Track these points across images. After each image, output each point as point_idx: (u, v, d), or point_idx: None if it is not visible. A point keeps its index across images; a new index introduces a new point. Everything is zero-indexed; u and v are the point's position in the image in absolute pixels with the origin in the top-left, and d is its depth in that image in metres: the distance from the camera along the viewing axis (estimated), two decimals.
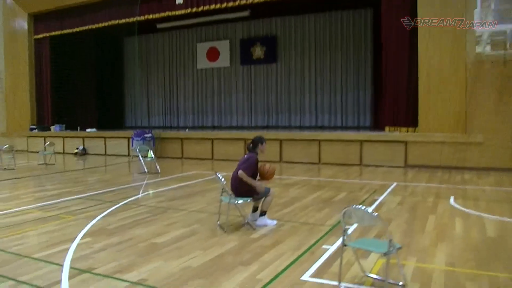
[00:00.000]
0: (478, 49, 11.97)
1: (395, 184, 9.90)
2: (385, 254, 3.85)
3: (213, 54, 20.41)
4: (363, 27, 17.85)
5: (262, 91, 19.60)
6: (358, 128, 17.48)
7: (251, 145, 6.43)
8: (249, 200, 6.31)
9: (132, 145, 15.87)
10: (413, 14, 12.92)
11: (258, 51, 18.98)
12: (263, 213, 6.38)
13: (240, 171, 6.15)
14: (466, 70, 12.14)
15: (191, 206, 7.80)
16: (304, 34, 18.71)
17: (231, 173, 6.41)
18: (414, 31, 12.93)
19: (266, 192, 6.31)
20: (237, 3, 14.90)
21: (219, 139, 15.71)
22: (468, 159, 12.20)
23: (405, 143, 12.83)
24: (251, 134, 10.18)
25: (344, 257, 4.31)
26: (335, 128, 17.99)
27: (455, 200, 8.04)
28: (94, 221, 6.66)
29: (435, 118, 12.51)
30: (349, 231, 5.68)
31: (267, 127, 19.14)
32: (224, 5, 15.05)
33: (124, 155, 17.22)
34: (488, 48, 11.73)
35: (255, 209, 6.52)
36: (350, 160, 13.40)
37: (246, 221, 6.35)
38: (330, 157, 13.69)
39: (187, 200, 8.42)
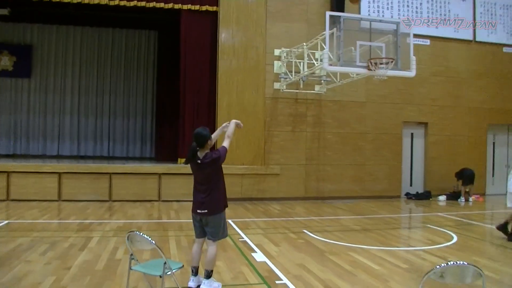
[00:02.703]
0: (276, 86, 12.69)
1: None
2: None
3: None
4: (146, 50, 16.60)
5: (7, 109, 15.49)
6: (141, 159, 15.86)
7: (196, 146, 4.75)
8: None
9: None
10: (214, 45, 12.78)
11: (5, 61, 14.97)
12: (209, 274, 4.67)
13: (223, 148, 4.82)
14: (265, 105, 12.63)
15: None
16: (69, 47, 15.93)
17: None
18: (213, 63, 12.74)
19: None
20: None
21: None
22: (267, 190, 12.59)
23: None
24: None
25: None
26: (122, 158, 15.84)
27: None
28: None
29: (235, 150, 12.45)
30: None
31: (12, 156, 15.20)
32: None
33: None
34: (284, 86, 12.56)
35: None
36: (148, 196, 11.84)
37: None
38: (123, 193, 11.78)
39: None
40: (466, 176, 13.10)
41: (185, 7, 12.58)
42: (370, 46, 8.62)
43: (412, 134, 14.17)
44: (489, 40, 14.73)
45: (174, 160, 13.38)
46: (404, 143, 14.02)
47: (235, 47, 12.57)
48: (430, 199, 13.44)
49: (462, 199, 13.17)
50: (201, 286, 4.62)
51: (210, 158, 4.71)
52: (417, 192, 13.77)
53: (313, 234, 7.89)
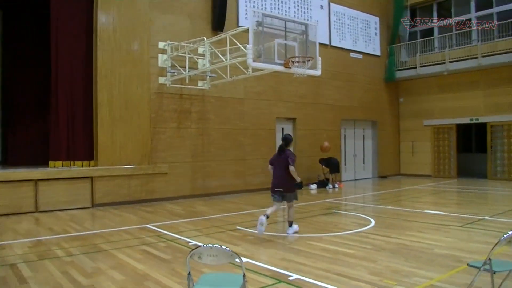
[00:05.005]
0: (161, 80, 12.09)
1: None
2: None
3: None
4: None
5: None
6: None
7: (284, 144, 7.58)
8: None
9: None
10: (89, 34, 11.50)
11: None
12: (291, 223, 7.52)
13: (292, 167, 7.24)
14: (149, 101, 11.92)
15: None
16: None
17: None
18: (90, 57, 11.48)
19: (301, 182, 8.27)
20: None
21: None
22: (156, 190, 11.94)
23: (91, 179, 11.01)
24: None
25: None
26: None
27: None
28: None
29: (120, 150, 11.48)
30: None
31: None
32: None
33: None
34: (169, 81, 12.06)
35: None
36: (21, 207, 10.03)
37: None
38: None
39: None
40: (333, 165, 14.67)
41: None
42: (285, 44, 8.98)
43: (282, 129, 15.14)
44: (340, 45, 16.71)
45: (39, 164, 11.61)
46: (276, 138, 14.90)
47: (116, 37, 11.54)
48: (302, 188, 14.61)
49: (330, 186, 14.70)
50: (287, 232, 7.43)
51: (288, 155, 7.38)
52: None
53: (250, 229, 7.90)
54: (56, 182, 10.53)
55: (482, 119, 16.80)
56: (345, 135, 17.33)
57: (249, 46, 8.51)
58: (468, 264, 4.08)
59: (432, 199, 12.04)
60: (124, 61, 11.61)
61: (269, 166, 7.75)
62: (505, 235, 3.70)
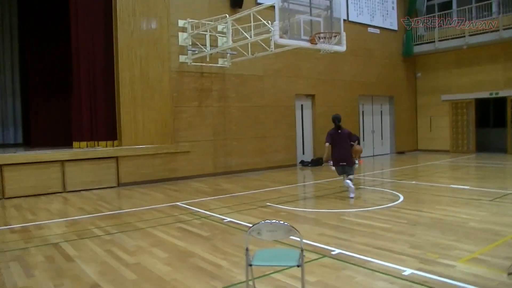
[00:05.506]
0: (182, 59, 12.05)
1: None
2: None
3: None
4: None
5: None
6: (4, 146, 13.30)
7: (338, 122, 8.45)
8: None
9: None
10: (109, 13, 11.45)
11: None
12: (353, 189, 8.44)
13: (358, 145, 8.68)
14: (170, 80, 11.92)
15: None
16: None
17: None
18: (110, 36, 11.44)
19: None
20: None
21: None
22: (178, 169, 12.05)
23: (116, 159, 11.12)
24: None
25: None
26: None
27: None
28: None
29: (142, 130, 11.56)
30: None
31: None
32: None
33: None
34: (190, 60, 12.02)
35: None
36: (49, 188, 10.19)
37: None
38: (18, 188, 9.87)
39: None
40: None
41: None
42: (311, 20, 8.89)
43: (302, 105, 15.10)
44: (358, 20, 16.48)
45: (62, 145, 11.75)
46: (296, 115, 14.88)
47: (136, 16, 11.48)
48: (322, 164, 14.64)
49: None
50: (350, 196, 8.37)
51: (349, 133, 8.51)
52: (312, 159, 14.86)
53: (280, 205, 7.98)
54: (82, 162, 10.66)
55: (502, 93, 16.58)
56: (363, 111, 17.24)
57: (276, 22, 8.44)
58: None
59: (454, 174, 12.01)
60: (144, 40, 11.58)
61: (326, 143, 8.48)
62: None
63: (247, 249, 3.46)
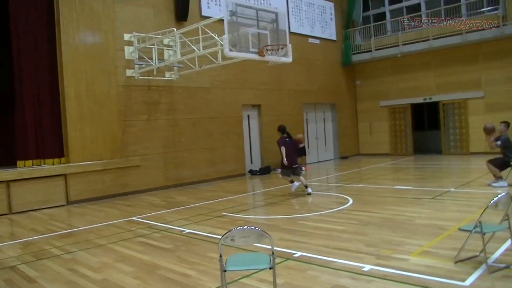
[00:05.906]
0: (129, 73, 11.98)
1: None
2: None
3: None
4: None
5: None
6: None
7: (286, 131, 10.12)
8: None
9: None
10: (51, 25, 11.18)
11: None
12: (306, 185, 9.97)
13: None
14: (118, 94, 11.80)
15: None
16: None
17: None
18: (54, 50, 11.17)
19: None
20: None
21: None
22: (129, 183, 11.91)
23: (65, 176, 10.83)
24: None
25: None
26: None
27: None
28: None
29: (91, 145, 11.34)
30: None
31: None
32: None
33: None
34: (137, 73, 11.97)
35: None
36: None
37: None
38: None
39: None
40: (300, 149, 15.09)
41: None
42: (258, 33, 9.20)
43: (248, 116, 15.40)
44: (299, 31, 17.09)
45: (6, 165, 11.28)
46: (243, 125, 15.15)
47: (80, 30, 11.28)
48: (271, 172, 14.99)
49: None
50: (308, 191, 9.83)
51: (296, 141, 10.57)
52: (260, 168, 15.17)
53: (236, 214, 8.16)
54: (29, 181, 10.29)
55: (434, 98, 17.79)
56: (307, 119, 17.85)
57: (225, 36, 8.67)
58: (459, 229, 4.58)
59: (397, 176, 12.77)
60: (89, 54, 11.40)
61: (283, 147, 9.70)
62: (491, 201, 4.20)
63: (220, 256, 3.62)
